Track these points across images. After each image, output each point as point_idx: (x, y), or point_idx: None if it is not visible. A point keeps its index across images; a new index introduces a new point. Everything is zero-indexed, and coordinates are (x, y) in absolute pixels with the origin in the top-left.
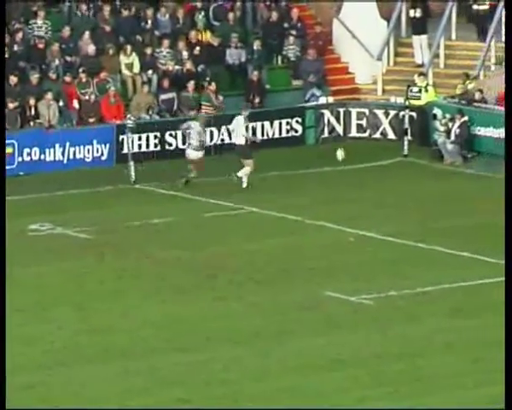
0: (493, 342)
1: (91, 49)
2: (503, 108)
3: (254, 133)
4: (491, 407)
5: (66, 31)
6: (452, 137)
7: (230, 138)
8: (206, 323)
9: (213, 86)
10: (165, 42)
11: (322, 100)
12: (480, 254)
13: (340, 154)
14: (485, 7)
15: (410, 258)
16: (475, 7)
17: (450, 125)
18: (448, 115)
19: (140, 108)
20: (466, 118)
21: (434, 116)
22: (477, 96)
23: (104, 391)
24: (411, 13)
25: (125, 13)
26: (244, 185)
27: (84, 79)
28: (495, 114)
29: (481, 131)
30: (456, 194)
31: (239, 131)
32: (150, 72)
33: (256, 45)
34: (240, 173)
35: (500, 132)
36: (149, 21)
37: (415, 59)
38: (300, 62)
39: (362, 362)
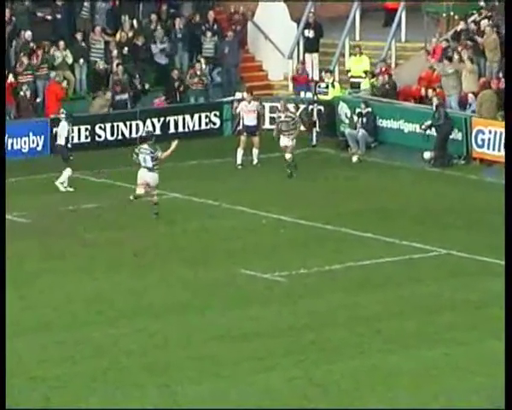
0: (393, 314)
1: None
2: (403, 103)
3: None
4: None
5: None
6: (359, 127)
7: (154, 131)
8: (132, 298)
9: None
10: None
11: (238, 95)
12: (381, 235)
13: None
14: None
15: (318, 239)
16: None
17: (357, 116)
18: (357, 109)
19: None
20: (370, 109)
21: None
22: (386, 85)
23: (42, 360)
24: (305, 33)
25: (60, 3)
26: (62, 189)
27: (22, 77)
28: (395, 107)
29: (383, 122)
30: (359, 181)
31: (62, 134)
32: (81, 61)
33: (178, 45)
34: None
35: (399, 124)
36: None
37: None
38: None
39: (275, 333)
